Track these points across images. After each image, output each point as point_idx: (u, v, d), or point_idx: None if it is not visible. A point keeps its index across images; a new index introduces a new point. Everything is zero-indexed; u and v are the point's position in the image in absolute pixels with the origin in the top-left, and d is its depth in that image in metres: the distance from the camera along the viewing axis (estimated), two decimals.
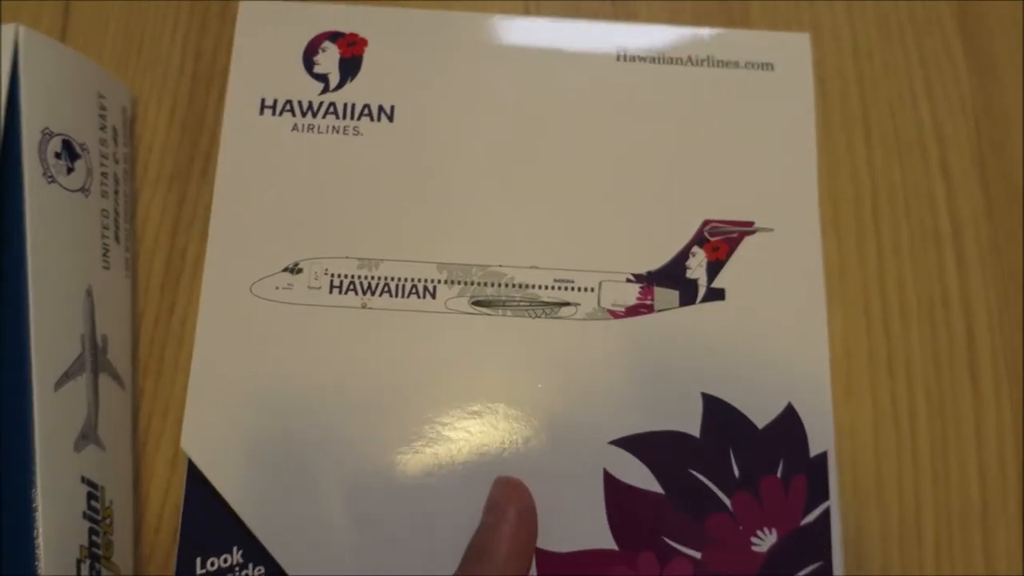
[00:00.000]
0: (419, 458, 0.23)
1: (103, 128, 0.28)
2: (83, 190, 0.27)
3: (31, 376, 0.23)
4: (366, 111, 0.26)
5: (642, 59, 0.27)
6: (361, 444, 0.23)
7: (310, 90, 0.26)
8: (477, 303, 0.25)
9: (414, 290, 0.25)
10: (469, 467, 0.23)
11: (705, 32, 0.27)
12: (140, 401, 0.27)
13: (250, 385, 0.24)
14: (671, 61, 0.27)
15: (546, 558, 0.23)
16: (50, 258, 0.24)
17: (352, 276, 0.25)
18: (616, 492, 0.23)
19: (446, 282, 0.25)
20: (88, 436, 0.24)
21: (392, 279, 0.25)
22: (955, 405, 0.26)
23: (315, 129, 0.26)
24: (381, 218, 0.25)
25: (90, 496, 0.24)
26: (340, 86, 0.26)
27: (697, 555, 0.23)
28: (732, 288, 0.25)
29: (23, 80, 0.25)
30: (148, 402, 0.27)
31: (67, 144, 0.26)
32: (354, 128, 0.26)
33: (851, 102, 0.28)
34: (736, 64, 0.27)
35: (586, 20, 0.27)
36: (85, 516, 0.23)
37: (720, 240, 0.25)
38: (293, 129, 0.26)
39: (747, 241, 0.25)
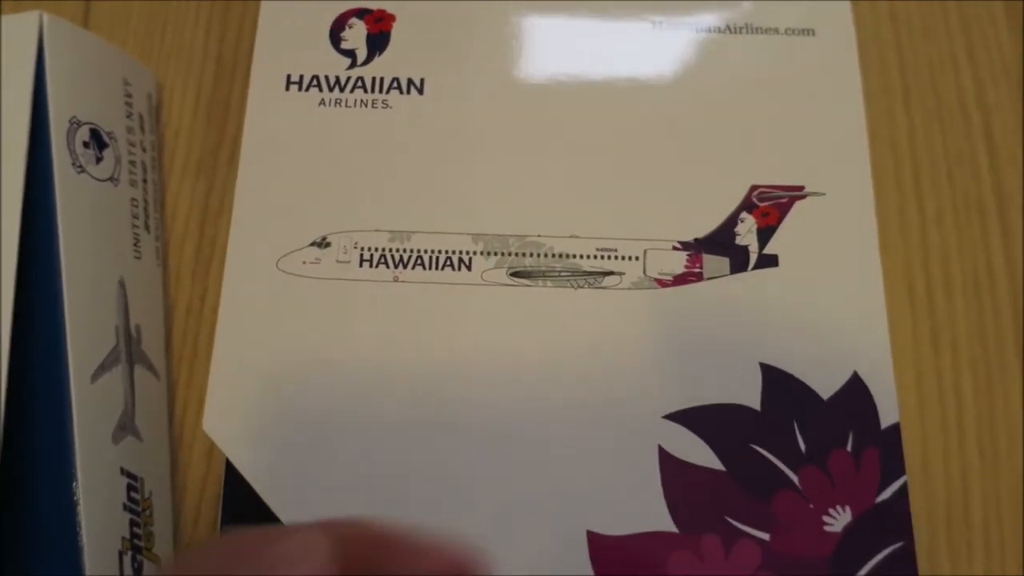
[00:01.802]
0: (454, 437, 0.22)
1: (130, 116, 0.27)
2: (112, 179, 0.26)
3: (68, 369, 0.22)
4: (395, 84, 0.25)
5: (678, 27, 0.26)
6: (393, 423, 0.22)
7: (337, 65, 0.25)
8: (515, 274, 0.23)
9: (448, 262, 0.23)
10: (509, 447, 0.22)
11: (743, 1, 0.26)
12: (175, 391, 0.26)
13: (275, 363, 0.22)
14: (708, 29, 0.26)
15: (599, 541, 0.21)
16: (82, 250, 0.24)
17: (383, 249, 0.23)
18: (673, 469, 0.21)
19: (482, 253, 0.23)
20: (126, 427, 0.23)
21: (425, 251, 0.23)
22: (1003, 381, 0.25)
23: (343, 103, 0.25)
24: (412, 190, 0.24)
25: (130, 488, 0.23)
26: (368, 61, 0.26)
27: (765, 536, 0.21)
28: (786, 254, 0.24)
29: (48, 69, 0.25)
30: (183, 392, 0.25)
31: (95, 133, 0.26)
32: (383, 101, 0.25)
33: (890, 68, 0.28)
34: (776, 31, 0.26)
35: None
36: (126, 508, 0.22)
37: (770, 205, 0.24)
38: (320, 104, 0.25)
39: (798, 206, 0.24)
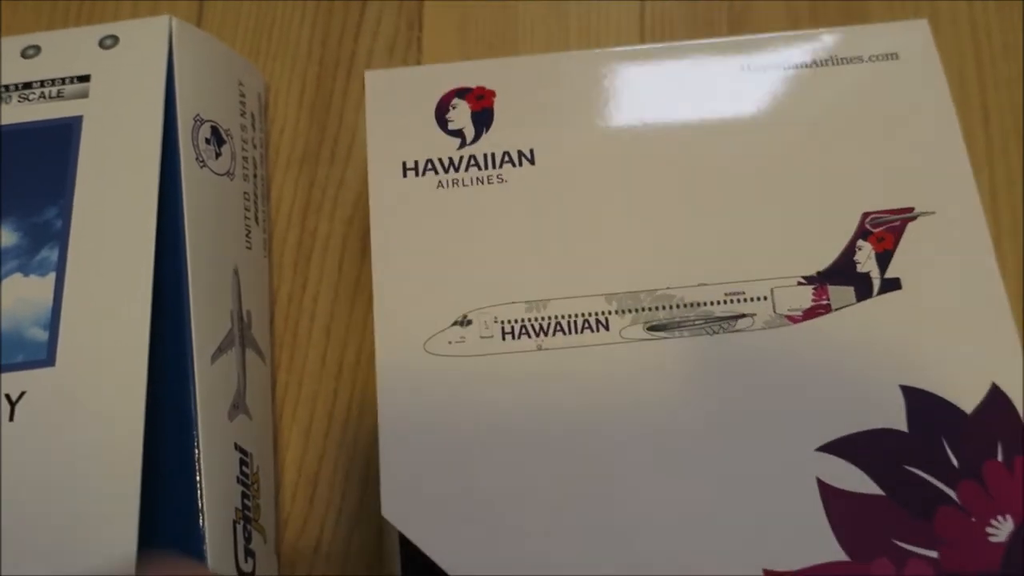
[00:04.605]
0: (613, 492, 0.23)
1: (243, 114, 0.29)
2: (228, 174, 0.28)
3: (192, 350, 0.24)
4: (507, 158, 0.26)
5: (767, 68, 0.27)
6: (555, 487, 0.23)
7: (448, 147, 0.27)
8: (652, 328, 0.24)
9: (587, 325, 0.24)
10: (674, 493, 0.23)
11: (824, 34, 0.27)
12: (276, 374, 0.27)
13: (440, 440, 0.24)
14: (796, 66, 0.27)
15: None
16: (204, 239, 0.26)
17: (522, 320, 0.25)
18: (835, 500, 0.22)
19: (617, 312, 0.25)
20: (239, 406, 0.25)
21: (563, 317, 0.25)
22: None
23: (460, 183, 0.26)
24: (540, 259, 0.25)
25: (242, 462, 0.24)
26: (476, 138, 0.27)
27: (933, 554, 0.22)
28: (906, 276, 0.25)
29: (177, 69, 0.27)
30: (283, 375, 0.28)
31: (215, 130, 0.27)
32: (498, 176, 0.26)
33: (968, 84, 0.28)
34: (860, 59, 0.27)
35: (705, 40, 0.28)
36: (238, 481, 0.24)
37: (884, 230, 0.25)
38: (438, 187, 0.26)
39: (911, 227, 0.25)
